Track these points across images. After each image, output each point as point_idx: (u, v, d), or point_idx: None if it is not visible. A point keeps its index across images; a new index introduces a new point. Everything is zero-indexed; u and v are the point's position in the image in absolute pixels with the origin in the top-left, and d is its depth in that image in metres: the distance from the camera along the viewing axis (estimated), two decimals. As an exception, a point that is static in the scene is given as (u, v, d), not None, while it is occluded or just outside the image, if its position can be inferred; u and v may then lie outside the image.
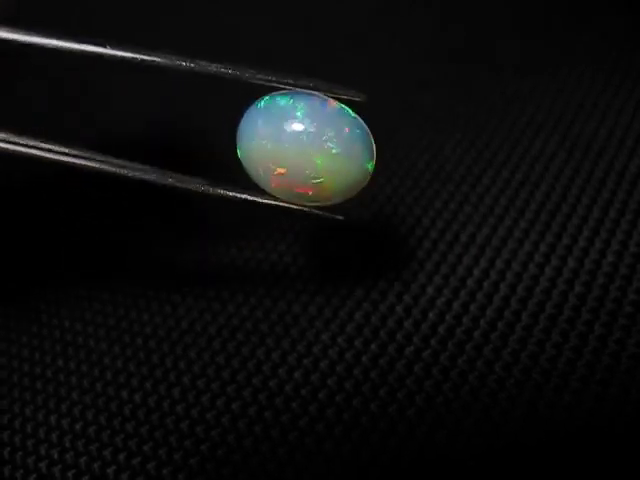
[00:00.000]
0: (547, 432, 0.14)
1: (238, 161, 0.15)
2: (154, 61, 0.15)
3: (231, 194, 0.16)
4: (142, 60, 0.15)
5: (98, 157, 0.16)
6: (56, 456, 0.16)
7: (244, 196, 0.16)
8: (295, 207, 0.16)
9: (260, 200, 0.16)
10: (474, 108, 0.23)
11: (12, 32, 0.15)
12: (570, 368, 0.15)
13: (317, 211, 0.16)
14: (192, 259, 0.20)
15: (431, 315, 0.17)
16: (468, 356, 0.16)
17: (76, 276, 0.20)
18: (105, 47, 0.15)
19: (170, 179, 0.16)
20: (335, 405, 0.16)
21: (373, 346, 0.17)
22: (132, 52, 0.15)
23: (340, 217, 0.16)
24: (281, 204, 0.16)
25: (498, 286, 0.17)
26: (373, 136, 0.15)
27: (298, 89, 0.15)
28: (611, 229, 0.18)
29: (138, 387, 0.17)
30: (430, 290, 0.18)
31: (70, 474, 0.16)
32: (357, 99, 0.15)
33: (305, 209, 0.16)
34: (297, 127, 0.14)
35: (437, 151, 0.22)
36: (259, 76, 0.15)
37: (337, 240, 0.20)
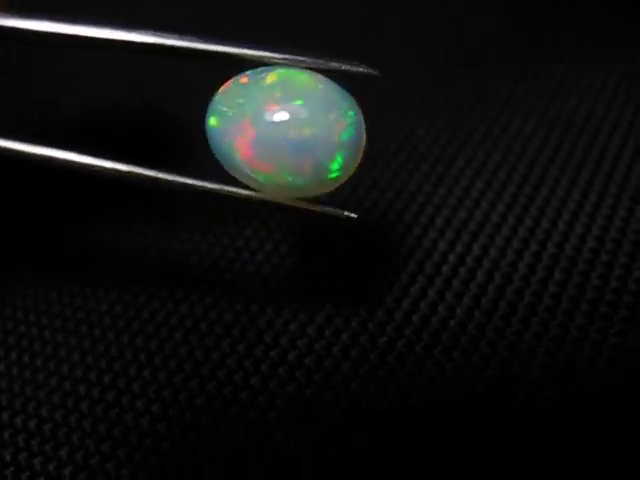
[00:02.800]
0: (527, 424, 0.14)
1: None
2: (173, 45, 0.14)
3: (235, 190, 0.14)
4: (162, 45, 0.14)
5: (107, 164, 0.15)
6: (8, 458, 0.15)
7: (247, 192, 0.14)
8: (305, 207, 0.14)
9: (268, 199, 0.14)
10: (449, 91, 0.22)
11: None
12: (550, 359, 0.15)
13: (327, 208, 0.14)
14: (154, 245, 0.19)
15: (404, 303, 0.16)
16: (443, 346, 0.15)
17: (31, 265, 0.19)
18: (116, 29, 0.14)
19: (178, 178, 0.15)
20: (322, 401, 0.15)
21: (344, 336, 0.16)
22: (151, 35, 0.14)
23: (353, 215, 0.14)
24: (289, 204, 0.14)
25: (475, 272, 0.17)
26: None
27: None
28: (591, 213, 0.17)
29: (96, 381, 0.16)
30: (404, 277, 0.17)
31: (24, 476, 0.15)
32: (374, 72, 0.14)
33: (314, 208, 0.14)
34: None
35: (410, 132, 0.21)
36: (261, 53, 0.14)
37: (311, 225, 0.19)
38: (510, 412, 0.14)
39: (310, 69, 0.14)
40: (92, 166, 0.15)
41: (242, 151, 0.13)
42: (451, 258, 0.17)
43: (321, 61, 0.14)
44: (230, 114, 0.13)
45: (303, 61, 0.14)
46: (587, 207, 0.18)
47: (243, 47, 0.14)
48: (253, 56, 0.14)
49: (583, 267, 0.16)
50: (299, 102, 0.13)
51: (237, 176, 0.14)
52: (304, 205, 0.14)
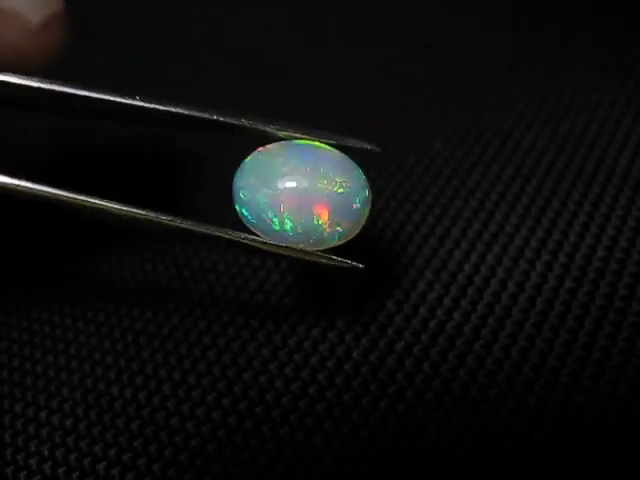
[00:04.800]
0: (537, 427, 0.14)
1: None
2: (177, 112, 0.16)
3: (258, 241, 0.15)
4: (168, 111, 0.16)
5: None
6: (47, 453, 0.16)
7: (269, 241, 0.15)
8: (319, 256, 0.15)
9: (284, 250, 0.15)
10: (464, 104, 0.23)
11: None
12: (560, 363, 0.15)
13: (337, 259, 0.16)
14: (184, 253, 0.20)
15: (422, 310, 0.17)
16: (458, 351, 0.16)
17: (66, 271, 0.20)
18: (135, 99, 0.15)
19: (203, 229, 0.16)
20: (325, 400, 0.16)
21: (364, 341, 0.17)
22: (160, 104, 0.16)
23: (361, 265, 0.16)
24: (304, 257, 0.15)
25: (489, 281, 0.17)
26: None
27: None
28: (602, 224, 0.18)
29: (129, 383, 0.17)
30: (421, 285, 0.18)
31: (61, 471, 0.16)
32: (376, 150, 0.16)
33: (324, 259, 0.16)
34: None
35: (428, 146, 0.22)
36: (268, 128, 0.16)
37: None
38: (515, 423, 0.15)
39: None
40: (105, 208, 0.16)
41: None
42: (466, 267, 0.18)
43: (335, 137, 0.16)
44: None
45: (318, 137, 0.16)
46: (597, 219, 0.18)
47: (264, 124, 0.16)
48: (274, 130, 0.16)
49: (593, 276, 0.17)
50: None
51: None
52: (311, 256, 0.16)
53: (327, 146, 0.16)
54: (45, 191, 0.15)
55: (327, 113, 0.24)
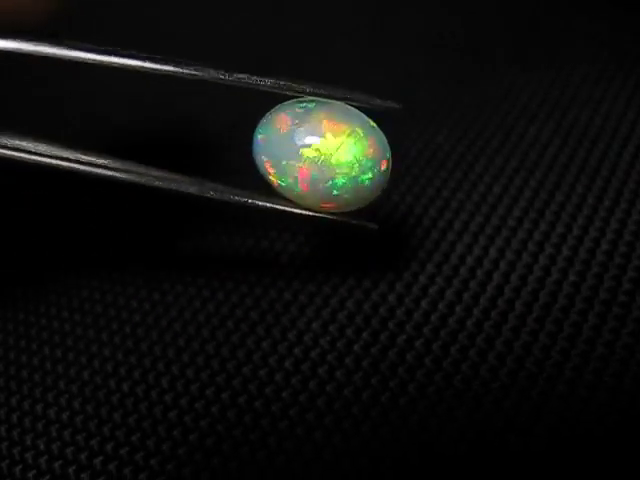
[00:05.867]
0: (539, 421, 0.14)
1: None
2: (194, 74, 0.15)
3: (269, 205, 0.15)
4: (183, 73, 0.15)
5: (131, 167, 0.16)
6: (43, 447, 0.16)
7: (282, 207, 0.15)
8: (330, 217, 0.15)
9: (297, 211, 0.15)
10: (467, 99, 0.23)
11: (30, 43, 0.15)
12: (563, 357, 0.15)
13: (349, 219, 0.15)
14: (181, 246, 0.20)
15: (423, 304, 0.17)
16: (461, 345, 0.16)
17: (63, 263, 0.20)
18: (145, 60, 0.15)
19: (211, 192, 0.15)
20: (326, 394, 0.16)
21: (365, 334, 0.17)
22: (174, 65, 0.15)
23: (375, 226, 0.16)
24: (317, 215, 0.15)
25: (491, 275, 0.17)
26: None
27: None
28: (605, 218, 0.18)
29: (126, 376, 0.17)
30: (423, 278, 0.17)
31: (57, 465, 0.16)
32: (396, 106, 0.15)
33: (337, 218, 0.15)
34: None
35: (430, 139, 0.21)
36: (296, 86, 0.15)
37: (328, 228, 0.19)
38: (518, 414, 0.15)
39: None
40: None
41: None
42: (469, 260, 0.18)
43: (349, 96, 0.15)
44: None
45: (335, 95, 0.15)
46: (601, 212, 0.18)
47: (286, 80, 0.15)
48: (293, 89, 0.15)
49: (597, 269, 0.17)
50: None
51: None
52: (328, 215, 0.15)
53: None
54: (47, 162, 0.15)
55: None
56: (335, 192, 0.14)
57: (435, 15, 0.28)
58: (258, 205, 0.15)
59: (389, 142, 0.15)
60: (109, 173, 0.15)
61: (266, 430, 0.15)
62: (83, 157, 0.16)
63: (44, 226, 0.21)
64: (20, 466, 0.16)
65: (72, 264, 0.20)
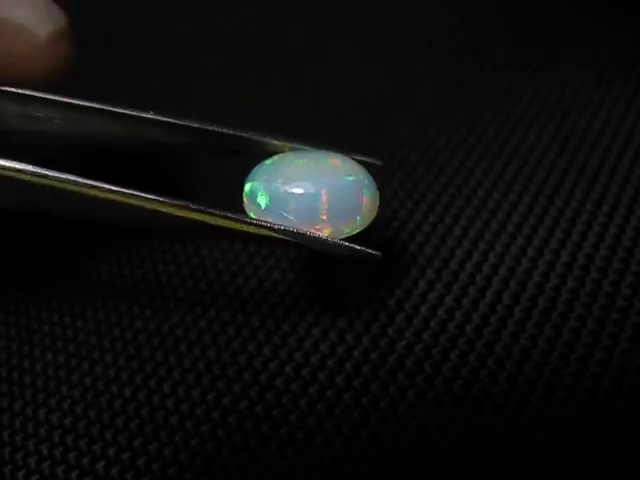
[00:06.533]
0: (539, 426, 0.14)
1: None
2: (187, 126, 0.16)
3: (276, 227, 0.15)
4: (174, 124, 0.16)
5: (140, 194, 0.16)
6: (45, 452, 0.16)
7: (294, 229, 0.15)
8: (333, 242, 0.15)
9: (307, 233, 0.15)
10: (467, 102, 0.23)
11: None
12: (563, 362, 0.15)
13: (354, 246, 0.16)
14: (183, 251, 0.20)
15: (423, 309, 0.17)
16: (460, 350, 0.16)
17: (65, 269, 0.20)
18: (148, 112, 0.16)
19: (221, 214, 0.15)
20: (326, 400, 0.16)
21: (365, 340, 0.17)
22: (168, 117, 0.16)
23: (378, 253, 0.16)
24: (322, 237, 0.15)
25: (491, 280, 0.17)
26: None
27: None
28: (605, 223, 0.18)
29: (128, 381, 0.17)
30: (422, 284, 0.17)
31: (59, 470, 0.16)
32: (376, 163, 0.16)
33: (343, 244, 0.15)
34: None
35: (430, 144, 0.21)
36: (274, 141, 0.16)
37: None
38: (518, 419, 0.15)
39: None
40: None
41: None
42: (468, 266, 0.18)
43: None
44: None
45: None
46: (600, 217, 0.18)
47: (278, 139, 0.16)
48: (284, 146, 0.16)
49: (596, 275, 0.17)
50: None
51: None
52: (331, 242, 0.15)
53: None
54: (50, 176, 0.15)
55: (328, 110, 0.24)
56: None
57: (435, 15, 0.28)
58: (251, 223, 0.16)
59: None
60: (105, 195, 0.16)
61: (267, 435, 0.15)
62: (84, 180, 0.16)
63: (46, 232, 0.21)
64: (23, 471, 0.16)
65: (74, 270, 0.20)
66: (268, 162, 0.16)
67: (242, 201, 0.16)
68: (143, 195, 0.15)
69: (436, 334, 0.16)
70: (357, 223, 0.16)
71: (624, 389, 0.15)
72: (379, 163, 0.16)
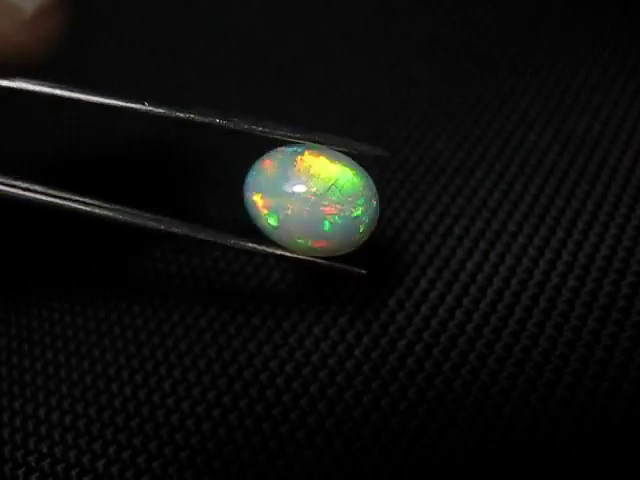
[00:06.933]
0: (539, 426, 0.14)
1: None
2: (190, 117, 0.15)
3: (260, 248, 0.16)
4: (177, 117, 0.15)
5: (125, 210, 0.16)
6: (45, 450, 0.16)
7: (273, 251, 0.16)
8: (322, 262, 0.16)
9: (289, 255, 0.16)
10: (467, 103, 0.23)
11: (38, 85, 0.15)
12: (563, 362, 0.15)
13: (340, 265, 0.16)
14: (184, 250, 0.20)
15: (424, 308, 0.17)
16: (461, 349, 0.16)
17: (66, 268, 0.20)
18: (144, 104, 0.16)
19: (202, 234, 0.16)
20: (327, 398, 0.16)
21: (365, 339, 0.17)
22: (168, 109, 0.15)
23: (363, 271, 0.16)
24: (309, 259, 0.16)
25: (492, 279, 0.17)
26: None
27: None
28: (605, 223, 0.18)
29: (128, 380, 0.17)
30: (423, 283, 0.18)
31: (60, 468, 0.16)
32: (384, 154, 0.16)
33: (329, 263, 0.16)
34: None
35: (430, 145, 0.21)
36: (282, 132, 0.15)
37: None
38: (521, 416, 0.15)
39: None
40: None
41: None
42: (469, 266, 0.18)
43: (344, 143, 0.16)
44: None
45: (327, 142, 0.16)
46: (601, 217, 0.18)
47: (278, 128, 0.16)
48: (284, 136, 0.16)
49: (596, 275, 0.17)
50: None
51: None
52: (319, 261, 0.16)
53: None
54: (44, 200, 0.16)
55: (329, 112, 0.24)
56: (326, 230, 0.15)
57: (435, 19, 0.28)
58: (248, 247, 0.16)
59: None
60: (104, 213, 0.16)
61: (267, 434, 0.15)
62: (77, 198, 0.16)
63: (47, 231, 0.21)
64: (23, 469, 0.16)
65: (75, 269, 0.20)
66: (269, 172, 0.15)
67: (241, 196, 0.16)
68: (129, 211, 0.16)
69: (437, 333, 0.16)
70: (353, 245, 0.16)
71: (624, 389, 0.15)
72: (387, 154, 0.16)
